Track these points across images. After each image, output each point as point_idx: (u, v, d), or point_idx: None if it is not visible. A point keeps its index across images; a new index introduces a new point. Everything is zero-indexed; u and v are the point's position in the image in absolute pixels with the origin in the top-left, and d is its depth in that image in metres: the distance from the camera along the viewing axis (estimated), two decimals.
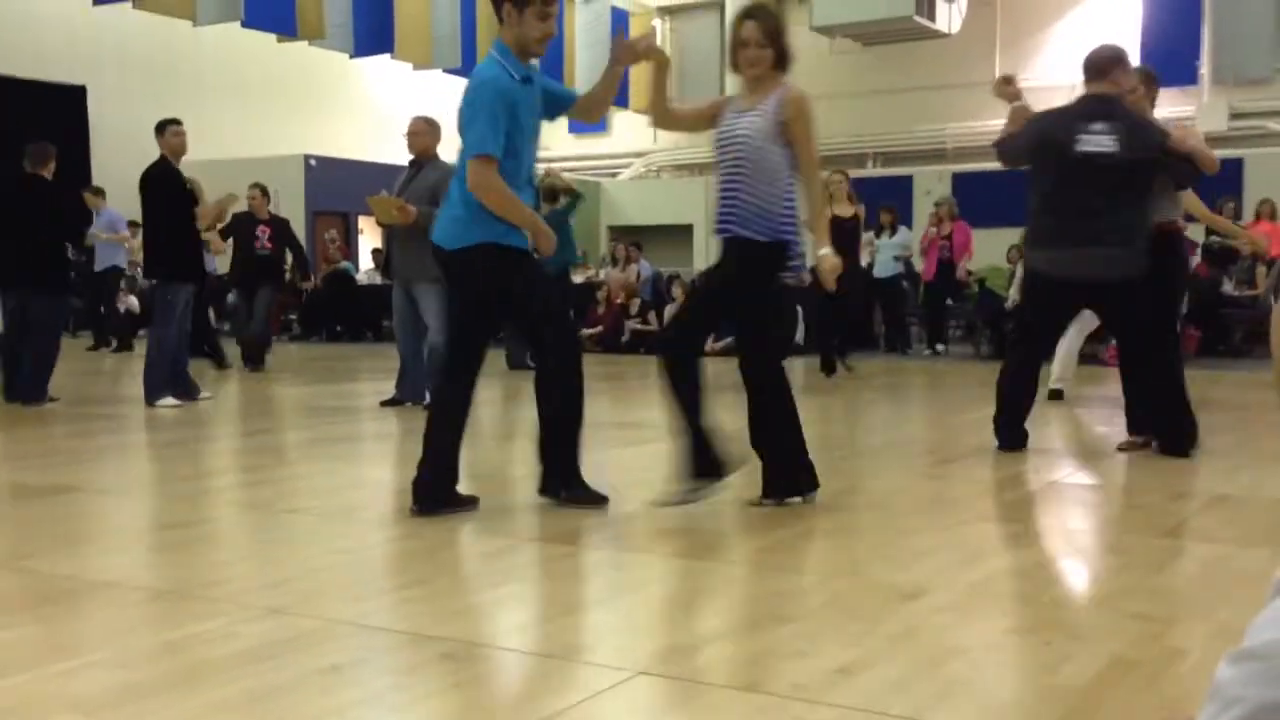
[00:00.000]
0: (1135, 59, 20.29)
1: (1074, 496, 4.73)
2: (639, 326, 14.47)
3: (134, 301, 15.01)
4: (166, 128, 7.88)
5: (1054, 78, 18.99)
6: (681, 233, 19.59)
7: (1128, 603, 3.12)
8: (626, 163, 23.43)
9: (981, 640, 2.71)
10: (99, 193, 13.16)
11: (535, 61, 4.18)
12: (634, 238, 17.20)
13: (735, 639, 2.74)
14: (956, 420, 6.24)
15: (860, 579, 3.31)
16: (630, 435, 6.74)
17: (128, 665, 2.57)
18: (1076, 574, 3.53)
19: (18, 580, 3.33)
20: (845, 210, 9.90)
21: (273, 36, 15.79)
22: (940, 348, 13.49)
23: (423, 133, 7.54)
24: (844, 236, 9.90)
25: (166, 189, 7.75)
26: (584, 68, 19.76)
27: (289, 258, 11.88)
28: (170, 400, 7.72)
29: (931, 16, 17.52)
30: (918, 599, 3.04)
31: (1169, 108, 17.75)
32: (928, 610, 2.95)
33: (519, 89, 4.03)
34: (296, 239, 12.04)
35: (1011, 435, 5.56)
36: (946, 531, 4.04)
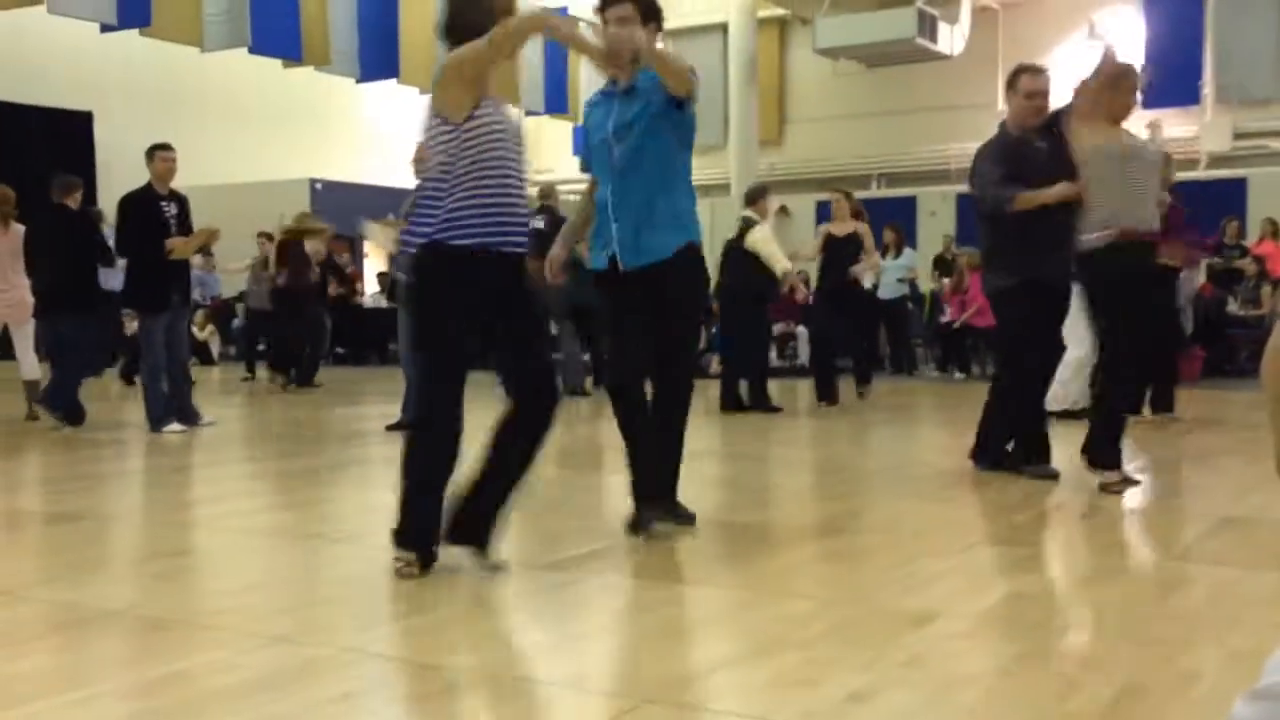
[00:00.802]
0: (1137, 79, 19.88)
1: (1083, 519, 4.72)
2: None
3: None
4: (155, 153, 7.89)
5: (1055, 99, 19.07)
6: None
7: (1138, 627, 3.10)
8: None
9: (992, 667, 2.70)
10: (96, 215, 13.11)
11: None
12: None
13: (743, 666, 2.73)
14: (964, 442, 6.22)
15: (868, 604, 3.30)
16: None
17: (136, 695, 2.56)
18: (1086, 598, 3.51)
19: (26, 610, 3.33)
20: (840, 229, 9.77)
21: (279, 62, 15.88)
22: (960, 375, 13.27)
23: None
24: (837, 253, 9.76)
25: (143, 216, 7.77)
26: (588, 90, 19.86)
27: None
28: (175, 426, 7.72)
29: (934, 38, 17.58)
30: (927, 625, 3.03)
31: (1173, 128, 17.84)
32: (937, 636, 2.94)
33: (597, 106, 4.21)
34: (336, 262, 13.20)
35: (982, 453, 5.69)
36: (955, 555, 4.02)
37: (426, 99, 3.65)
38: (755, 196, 9.21)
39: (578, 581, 3.61)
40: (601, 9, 4.03)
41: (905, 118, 19.83)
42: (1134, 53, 18.28)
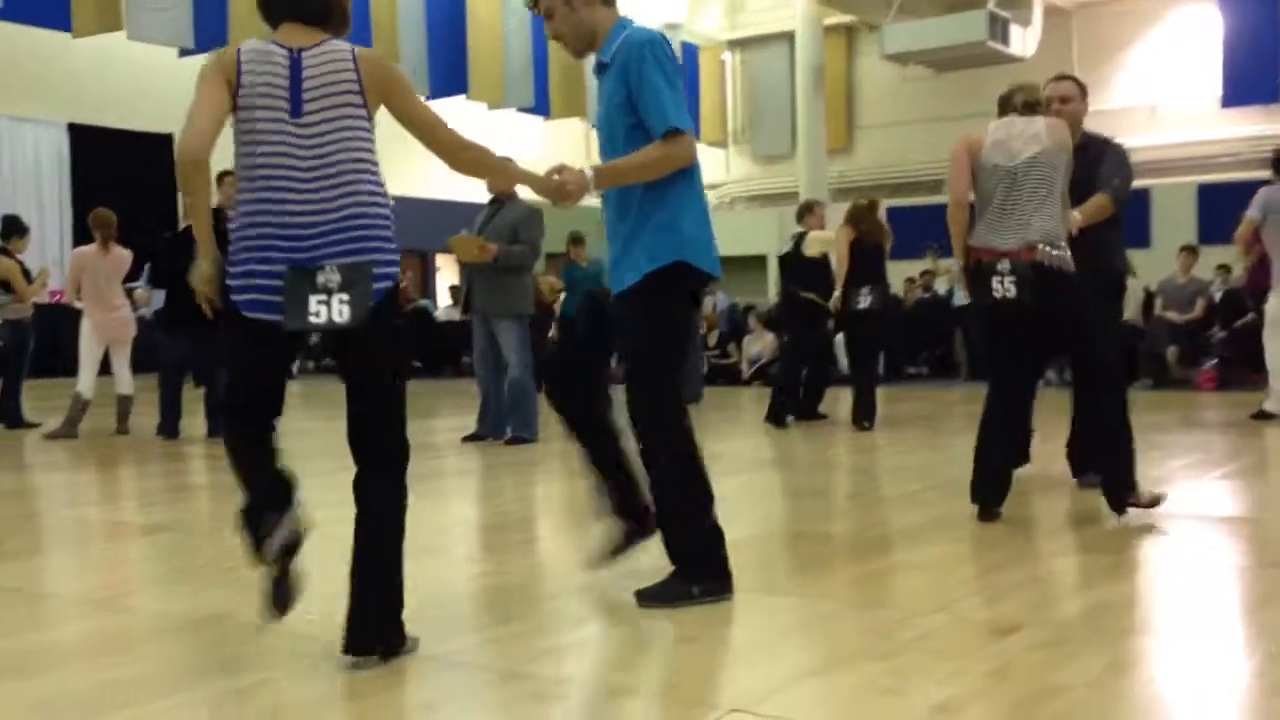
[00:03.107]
0: (1216, 77, 19.60)
1: (1170, 525, 4.61)
2: (717, 359, 14.48)
3: None
4: (226, 178, 8.03)
5: (1132, 99, 18.71)
6: (755, 264, 19.59)
7: (1234, 637, 3.03)
8: None
9: (1082, 678, 2.65)
10: None
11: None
12: None
13: (827, 677, 2.71)
14: (1037, 449, 6.11)
15: (950, 614, 3.26)
16: (710, 468, 6.71)
17: (223, 703, 2.62)
18: (1178, 606, 3.44)
19: (118, 620, 3.41)
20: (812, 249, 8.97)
21: None
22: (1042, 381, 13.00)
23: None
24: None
25: (219, 235, 7.97)
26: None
27: None
28: None
29: (1005, 41, 17.36)
30: (1011, 634, 2.99)
31: (1252, 126, 17.43)
32: (1023, 647, 2.89)
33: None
34: None
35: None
36: (1037, 564, 3.97)
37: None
38: (804, 212, 9.28)
39: None
40: None
41: (976, 122, 19.40)
42: (1211, 51, 17.93)
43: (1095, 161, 5.08)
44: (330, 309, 2.74)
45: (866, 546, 4.31)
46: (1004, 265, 4.44)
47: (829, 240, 8.82)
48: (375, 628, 2.85)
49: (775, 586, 3.69)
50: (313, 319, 2.75)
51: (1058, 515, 4.88)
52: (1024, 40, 17.82)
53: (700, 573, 3.39)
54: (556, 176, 3.25)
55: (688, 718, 2.44)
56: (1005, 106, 4.76)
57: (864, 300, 8.51)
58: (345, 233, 2.79)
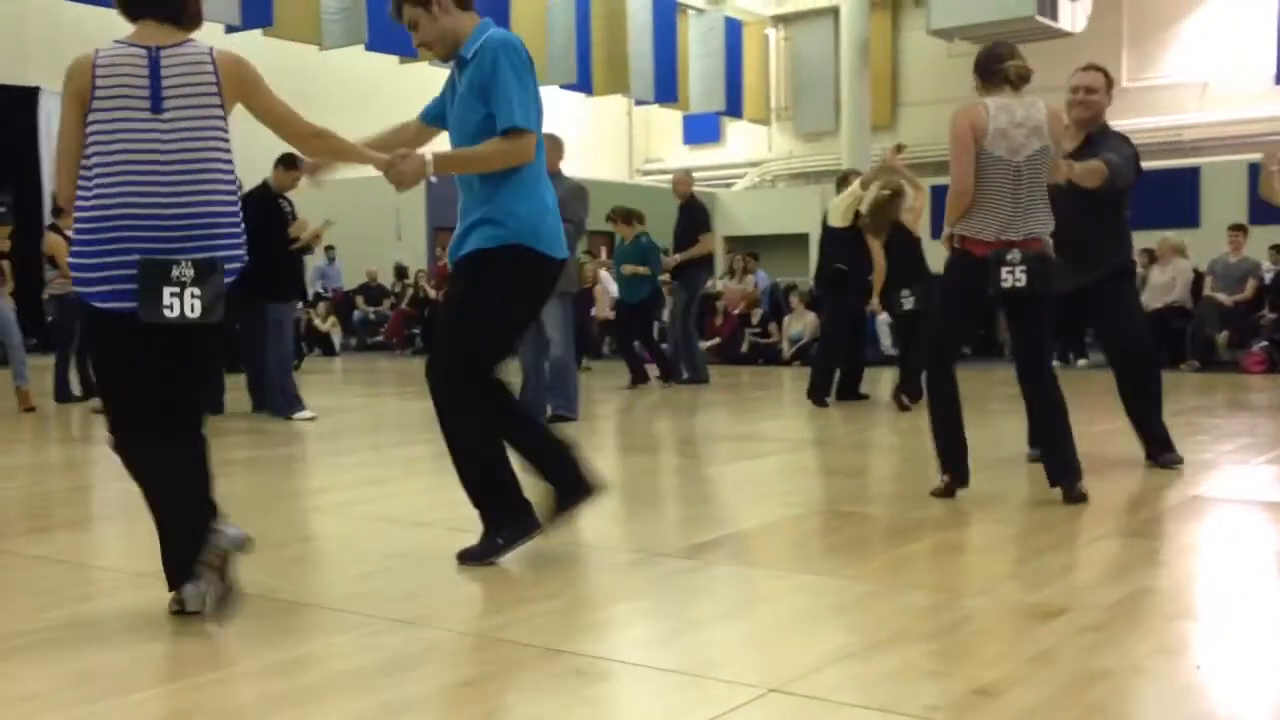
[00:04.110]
0: (1270, 54, 19.25)
1: (1218, 512, 4.55)
2: (758, 339, 14.45)
3: None
4: (291, 170, 7.92)
5: (1183, 75, 18.39)
6: (797, 242, 19.48)
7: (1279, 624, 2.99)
8: (741, 173, 23.37)
9: (1126, 663, 2.62)
10: None
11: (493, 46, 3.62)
12: (750, 248, 17.16)
13: (866, 658, 2.70)
14: (1086, 431, 6.04)
15: (994, 597, 3.24)
16: (750, 448, 6.71)
17: (269, 676, 2.65)
18: (1226, 593, 3.39)
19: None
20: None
21: (395, 58, 16.19)
22: (1082, 362, 13.04)
23: (545, 149, 7.65)
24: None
25: (268, 214, 8.00)
26: (698, 78, 19.81)
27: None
28: (306, 413, 7.95)
29: (1054, 16, 17.11)
30: (1056, 618, 2.96)
31: None
32: (1067, 631, 2.86)
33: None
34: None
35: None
36: (1083, 548, 3.93)
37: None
38: (841, 183, 9.21)
39: (698, 570, 3.61)
40: None
41: None
42: (1266, 27, 17.57)
43: (1099, 148, 5.07)
44: (183, 302, 2.88)
45: (908, 527, 4.28)
46: (1014, 255, 4.46)
47: (852, 195, 8.52)
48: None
49: (814, 567, 3.68)
50: (167, 312, 2.86)
51: (1102, 499, 4.83)
52: (1073, 15, 17.55)
53: (503, 523, 3.64)
54: (397, 159, 3.44)
55: (725, 697, 2.44)
56: (995, 75, 4.62)
57: (907, 303, 8.45)
58: (203, 229, 2.93)
